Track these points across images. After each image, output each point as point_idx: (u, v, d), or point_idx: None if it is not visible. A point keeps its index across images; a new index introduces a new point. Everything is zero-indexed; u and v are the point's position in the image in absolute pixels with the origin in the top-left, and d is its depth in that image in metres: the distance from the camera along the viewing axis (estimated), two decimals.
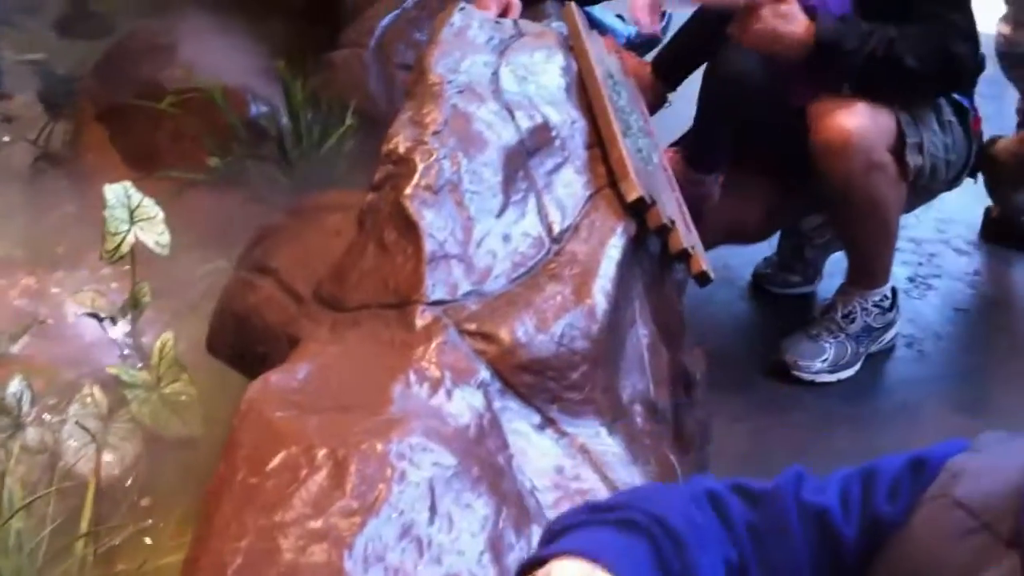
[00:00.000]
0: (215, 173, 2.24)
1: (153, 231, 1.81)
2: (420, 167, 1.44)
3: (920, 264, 2.80)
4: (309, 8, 2.82)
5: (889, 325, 2.42)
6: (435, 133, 1.48)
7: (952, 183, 2.35)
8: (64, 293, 2.15)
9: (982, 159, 2.48)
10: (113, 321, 1.89)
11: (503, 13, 2.30)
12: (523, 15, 2.31)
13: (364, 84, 2.39)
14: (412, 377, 1.25)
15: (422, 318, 1.33)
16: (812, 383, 2.34)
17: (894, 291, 2.41)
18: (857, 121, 2.09)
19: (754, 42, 2.07)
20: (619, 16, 3.36)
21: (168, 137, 2.36)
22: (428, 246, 1.38)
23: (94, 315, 1.90)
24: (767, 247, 2.66)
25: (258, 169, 2.25)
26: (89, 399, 1.72)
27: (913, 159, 2.16)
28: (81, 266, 2.22)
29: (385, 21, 2.48)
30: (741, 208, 2.33)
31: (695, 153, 2.34)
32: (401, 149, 1.47)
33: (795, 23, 2.06)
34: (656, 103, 2.42)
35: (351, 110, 2.27)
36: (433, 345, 1.30)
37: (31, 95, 3.01)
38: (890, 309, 2.40)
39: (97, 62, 2.77)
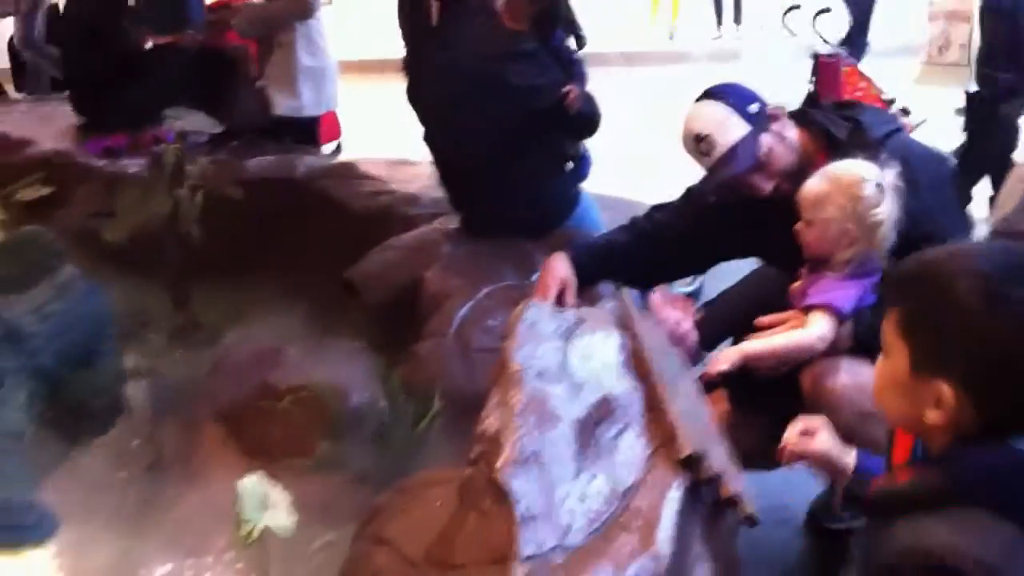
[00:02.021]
0: (325, 459, 2.54)
1: (280, 516, 2.11)
2: (507, 444, 1.74)
3: None
4: (392, 304, 3.20)
5: None
6: (518, 414, 1.79)
7: None
8: None
9: None
10: None
11: (561, 292, 2.65)
12: (579, 295, 2.67)
13: (447, 369, 2.66)
14: None
15: (518, 571, 1.59)
16: None
17: None
18: (841, 380, 2.28)
19: None
20: None
21: (281, 431, 2.65)
22: (519, 510, 1.65)
23: None
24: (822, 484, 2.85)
25: (362, 452, 2.55)
26: None
27: None
28: (208, 553, 2.50)
29: (461, 312, 2.81)
30: (743, 436, 2.34)
31: (707, 332, 2.58)
32: (491, 430, 1.78)
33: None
34: (695, 359, 2.70)
35: (438, 394, 2.57)
36: None
37: (146, 401, 3.38)
38: None
39: (212, 367, 3.16)
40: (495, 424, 1.79)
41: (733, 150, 2.48)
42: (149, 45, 5.13)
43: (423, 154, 3.93)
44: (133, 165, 4.31)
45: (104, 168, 4.47)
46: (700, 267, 2.93)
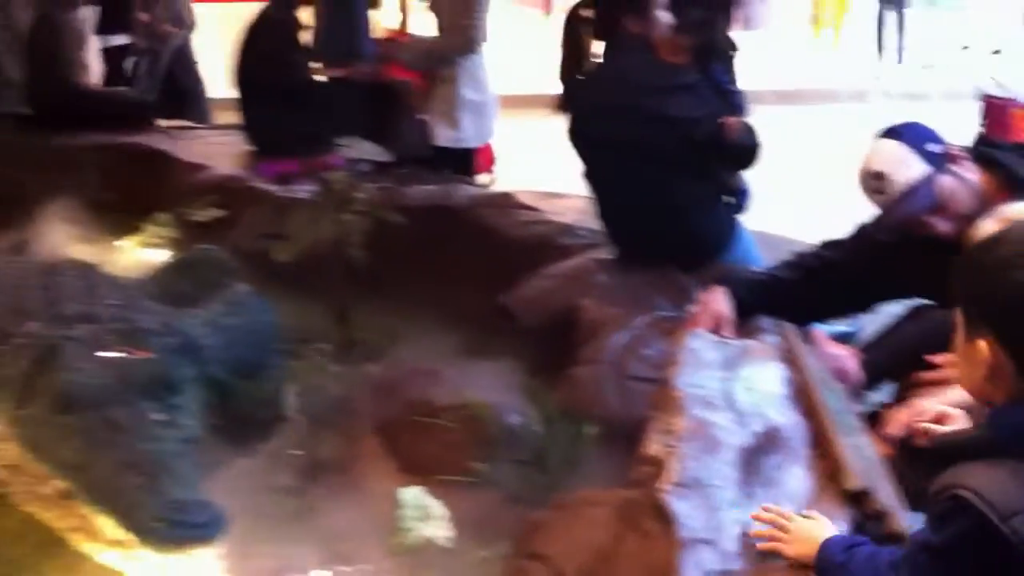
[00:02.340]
0: (480, 476, 2.58)
1: (438, 527, 2.17)
2: (671, 467, 1.75)
3: None
4: (547, 330, 3.24)
5: None
6: (682, 438, 1.80)
7: None
8: None
9: None
10: None
11: (717, 325, 2.63)
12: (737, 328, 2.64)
13: (602, 395, 2.68)
14: None
15: None
16: None
17: None
18: None
19: None
20: None
21: (438, 446, 2.72)
22: (682, 533, 1.66)
23: None
24: None
25: (517, 471, 2.59)
26: None
27: None
28: (365, 560, 2.57)
29: (618, 339, 2.83)
30: (907, 476, 2.19)
31: (868, 371, 2.54)
32: (654, 452, 1.79)
33: None
34: (858, 395, 2.65)
35: (592, 418, 2.59)
36: None
37: (306, 413, 3.49)
38: None
39: (371, 384, 3.25)
40: (658, 448, 1.81)
41: (910, 190, 2.45)
42: (322, 78, 5.35)
43: (570, 187, 3.98)
44: (302, 190, 4.48)
45: (274, 192, 4.66)
46: (866, 306, 2.87)
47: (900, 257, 2.58)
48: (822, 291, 2.75)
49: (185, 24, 7.10)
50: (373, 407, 3.10)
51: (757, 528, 1.72)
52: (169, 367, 2.79)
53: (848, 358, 2.55)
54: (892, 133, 2.56)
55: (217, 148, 5.75)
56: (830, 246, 2.81)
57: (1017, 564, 1.37)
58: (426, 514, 2.18)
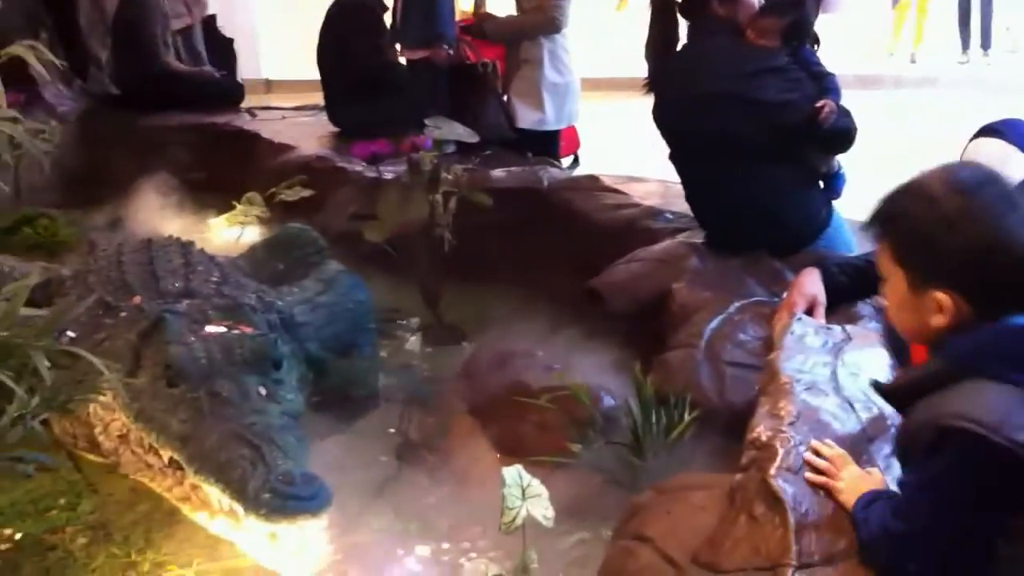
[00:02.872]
0: (576, 458, 2.60)
1: (540, 506, 2.19)
2: (780, 451, 1.76)
3: None
4: (636, 314, 3.24)
5: None
6: (790, 423, 1.81)
7: None
8: (452, 561, 2.54)
9: None
10: None
11: (809, 310, 2.62)
12: (836, 315, 2.63)
13: (696, 379, 2.65)
14: None
15: None
16: None
17: None
18: None
19: None
20: None
21: (533, 427, 2.75)
22: (792, 517, 1.67)
23: None
24: None
25: (613, 454, 2.61)
26: None
27: None
28: (463, 539, 2.61)
29: (712, 324, 2.80)
30: None
31: None
32: (763, 437, 1.80)
33: None
34: None
35: (688, 403, 2.59)
36: None
37: (399, 392, 3.54)
38: None
39: (463, 364, 3.30)
40: (767, 432, 1.82)
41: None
42: (403, 60, 5.40)
43: (656, 170, 3.97)
44: (388, 171, 4.53)
45: (360, 173, 4.73)
46: None
47: None
48: None
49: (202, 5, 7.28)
50: (466, 387, 3.14)
51: (813, 459, 1.76)
52: (271, 342, 2.86)
53: None
54: (992, 131, 2.51)
55: (300, 129, 5.86)
56: None
57: (1019, 472, 1.41)
58: (529, 492, 2.20)
